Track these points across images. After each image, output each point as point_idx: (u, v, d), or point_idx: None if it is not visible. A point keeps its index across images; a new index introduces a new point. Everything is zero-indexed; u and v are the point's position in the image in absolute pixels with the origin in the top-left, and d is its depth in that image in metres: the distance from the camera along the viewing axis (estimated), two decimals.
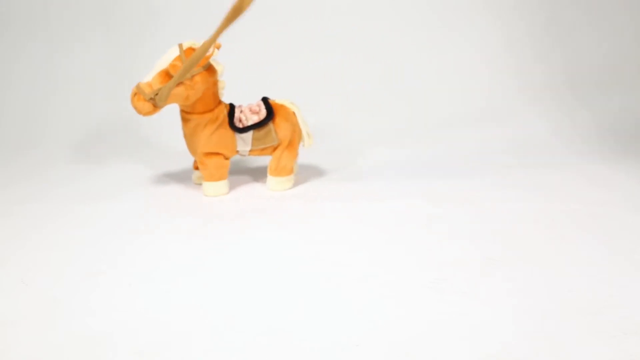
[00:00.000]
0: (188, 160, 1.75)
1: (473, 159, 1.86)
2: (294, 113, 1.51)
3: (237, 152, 1.46)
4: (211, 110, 1.37)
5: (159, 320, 0.89)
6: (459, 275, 1.03)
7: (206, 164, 1.40)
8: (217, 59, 1.39)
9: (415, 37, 2.35)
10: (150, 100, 1.28)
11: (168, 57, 1.30)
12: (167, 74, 1.29)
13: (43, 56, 2.30)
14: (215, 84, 1.37)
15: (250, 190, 1.53)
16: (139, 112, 1.29)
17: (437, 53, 2.34)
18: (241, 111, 1.44)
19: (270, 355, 0.80)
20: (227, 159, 1.44)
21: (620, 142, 1.99)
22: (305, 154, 1.82)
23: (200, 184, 1.52)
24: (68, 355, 0.80)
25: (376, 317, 0.89)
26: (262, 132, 1.45)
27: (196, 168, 1.53)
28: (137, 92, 1.28)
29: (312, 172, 1.72)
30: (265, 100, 1.48)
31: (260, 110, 1.45)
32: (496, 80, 2.30)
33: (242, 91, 2.24)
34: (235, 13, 1.26)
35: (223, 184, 1.44)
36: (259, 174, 1.68)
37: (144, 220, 1.33)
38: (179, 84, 1.30)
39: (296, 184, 1.59)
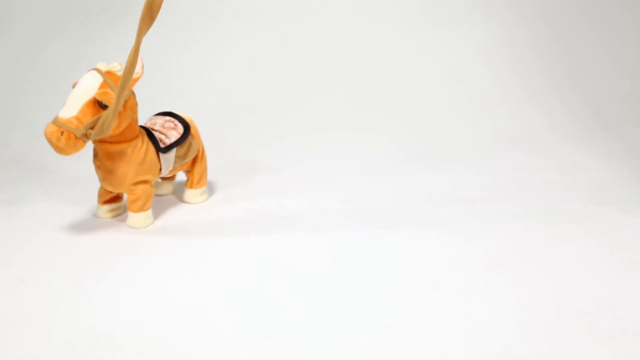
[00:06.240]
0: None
1: (474, 161, 1.86)
2: (192, 121, 1.44)
3: (160, 174, 1.33)
4: (137, 135, 1.24)
5: (160, 320, 0.89)
6: (459, 275, 1.03)
7: (138, 194, 1.26)
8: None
9: (428, 67, 2.35)
10: (82, 137, 1.09)
11: (88, 85, 1.12)
12: (94, 104, 1.11)
13: None
14: (137, 106, 1.24)
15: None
16: (67, 152, 1.09)
17: (451, 80, 2.33)
18: (154, 130, 1.32)
19: (271, 355, 0.80)
20: (152, 185, 1.31)
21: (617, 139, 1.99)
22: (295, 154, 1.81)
23: (109, 218, 1.35)
24: (68, 355, 0.80)
25: (376, 318, 0.89)
26: (184, 147, 1.37)
27: (106, 202, 1.34)
28: (65, 130, 1.07)
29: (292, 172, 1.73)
30: (173, 114, 1.39)
31: (176, 125, 1.36)
32: (512, 108, 2.27)
33: (245, 103, 2.25)
34: (148, 13, 1.08)
35: (150, 214, 1.31)
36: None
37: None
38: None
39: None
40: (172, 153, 1.34)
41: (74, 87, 1.14)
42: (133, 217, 1.29)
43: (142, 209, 1.28)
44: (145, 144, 1.26)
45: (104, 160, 1.22)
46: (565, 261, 1.09)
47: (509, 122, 2.18)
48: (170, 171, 1.37)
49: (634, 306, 0.92)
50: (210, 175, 1.60)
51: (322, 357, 0.79)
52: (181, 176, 1.64)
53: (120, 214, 1.36)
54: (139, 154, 1.23)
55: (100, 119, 1.11)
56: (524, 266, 1.07)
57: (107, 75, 1.15)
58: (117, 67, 1.17)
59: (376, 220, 1.32)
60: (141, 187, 1.26)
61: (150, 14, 1.09)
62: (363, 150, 1.98)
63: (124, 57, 1.18)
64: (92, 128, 1.11)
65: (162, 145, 1.30)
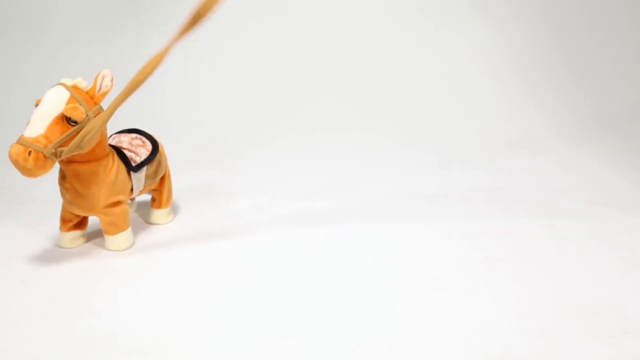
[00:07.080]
0: None
1: (474, 161, 1.86)
2: (154, 136, 1.34)
3: (131, 195, 1.24)
4: (107, 154, 1.14)
5: (160, 320, 0.89)
6: (459, 275, 1.03)
7: (113, 215, 1.16)
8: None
9: (427, 66, 2.35)
10: (51, 156, 1.00)
11: (55, 100, 1.02)
12: (62, 120, 1.01)
13: None
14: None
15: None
16: (36, 174, 0.99)
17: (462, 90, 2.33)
18: (123, 149, 1.24)
19: (271, 355, 0.80)
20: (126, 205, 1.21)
21: (616, 135, 1.99)
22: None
23: (74, 247, 1.21)
24: (69, 355, 0.80)
25: (376, 318, 0.89)
26: (153, 165, 1.28)
27: (71, 229, 1.20)
28: (33, 150, 0.97)
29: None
30: (139, 130, 1.32)
31: (144, 142, 1.28)
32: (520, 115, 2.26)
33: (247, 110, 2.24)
34: (197, 19, 1.00)
35: (130, 233, 1.21)
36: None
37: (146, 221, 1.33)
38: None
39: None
40: (143, 172, 1.25)
41: (37, 104, 1.04)
42: (112, 240, 1.18)
43: (120, 230, 1.18)
44: (115, 163, 1.16)
45: (73, 182, 1.11)
46: (565, 261, 1.09)
47: (509, 122, 2.18)
48: (141, 191, 1.27)
49: (634, 306, 0.92)
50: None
51: (322, 357, 0.79)
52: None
53: (85, 242, 1.23)
54: (110, 174, 1.14)
55: (80, 133, 1.03)
56: (524, 266, 1.07)
57: (74, 89, 1.06)
58: (83, 82, 1.08)
59: (376, 220, 1.31)
60: (115, 209, 1.16)
61: (191, 26, 1.01)
62: (362, 150, 1.98)
63: (91, 75, 1.10)
64: (61, 146, 1.02)
65: (133, 164, 1.21)
